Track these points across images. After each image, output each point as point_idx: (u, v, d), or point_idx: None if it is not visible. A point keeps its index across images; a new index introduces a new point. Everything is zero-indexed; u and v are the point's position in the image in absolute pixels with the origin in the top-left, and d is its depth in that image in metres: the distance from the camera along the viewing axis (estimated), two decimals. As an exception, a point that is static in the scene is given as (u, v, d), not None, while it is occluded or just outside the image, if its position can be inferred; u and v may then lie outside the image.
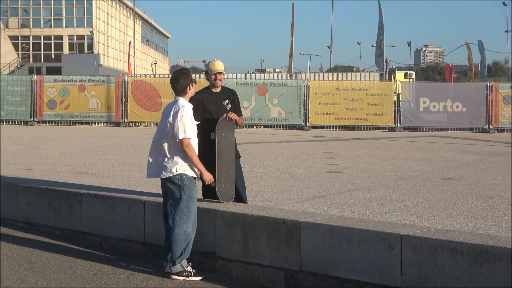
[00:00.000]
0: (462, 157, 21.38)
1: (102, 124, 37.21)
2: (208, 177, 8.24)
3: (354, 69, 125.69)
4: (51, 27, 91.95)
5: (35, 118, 36.84)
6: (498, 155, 22.35)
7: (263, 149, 23.36)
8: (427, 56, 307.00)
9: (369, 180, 15.25)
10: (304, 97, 35.85)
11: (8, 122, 36.61)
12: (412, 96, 36.24)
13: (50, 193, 10.77)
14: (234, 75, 41.83)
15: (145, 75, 53.72)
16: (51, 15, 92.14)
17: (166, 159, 8.16)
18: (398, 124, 35.59)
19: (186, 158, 8.12)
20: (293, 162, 19.06)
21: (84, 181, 13.25)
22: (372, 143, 27.30)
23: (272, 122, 36.13)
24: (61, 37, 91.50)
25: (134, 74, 59.94)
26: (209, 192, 9.00)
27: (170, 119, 8.13)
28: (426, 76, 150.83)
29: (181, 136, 8.03)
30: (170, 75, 9.11)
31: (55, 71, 70.71)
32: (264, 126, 36.46)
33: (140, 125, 37.13)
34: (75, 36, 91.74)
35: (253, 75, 47.65)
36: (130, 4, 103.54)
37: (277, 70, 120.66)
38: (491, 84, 36.47)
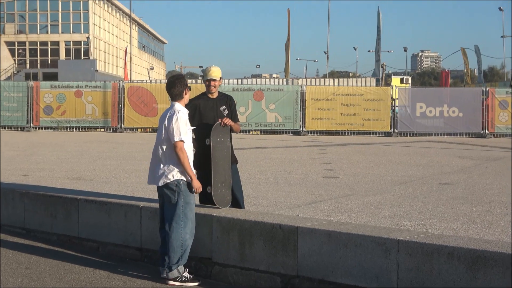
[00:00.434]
0: (458, 162, 21.40)
1: (99, 129, 37.18)
2: (196, 184, 8.19)
3: (351, 75, 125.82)
4: (47, 32, 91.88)
5: (31, 124, 36.78)
6: (494, 160, 22.37)
7: (259, 155, 23.36)
8: (423, 61, 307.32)
9: (366, 185, 15.26)
10: (300, 103, 35.84)
11: (5, 128, 36.55)
12: (408, 101, 36.26)
13: (47, 199, 10.76)
14: (231, 81, 41.82)
15: (142, 80, 53.67)
16: (48, 21, 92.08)
17: (162, 165, 8.17)
18: (395, 129, 35.61)
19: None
20: (290, 168, 19.06)
21: (81, 187, 13.24)
22: (369, 148, 27.32)
23: (268, 127, 36.12)
24: (57, 43, 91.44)
25: (130, 80, 59.92)
26: (205, 197, 9.00)
27: (166, 122, 8.15)
28: (423, 81, 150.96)
29: (175, 139, 8.03)
30: (166, 81, 9.12)
31: (52, 76, 70.73)
32: (261, 132, 36.45)
33: (137, 130, 37.10)
34: (71, 42, 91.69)
35: (249, 80, 47.65)
36: (126, 9, 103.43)
37: (274, 75, 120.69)
38: (487, 89, 36.52)
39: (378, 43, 55.77)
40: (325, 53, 79.55)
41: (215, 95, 9.22)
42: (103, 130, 37.12)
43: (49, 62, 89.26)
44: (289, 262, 7.75)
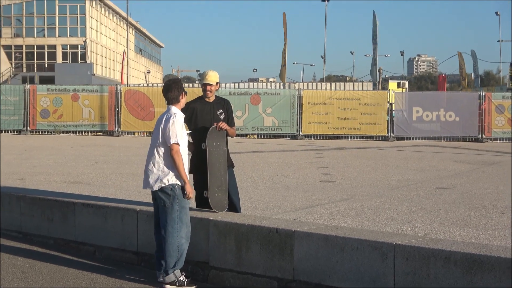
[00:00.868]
0: (455, 166, 21.42)
1: (96, 133, 37.14)
2: (189, 189, 8.16)
3: (348, 79, 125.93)
4: (44, 36, 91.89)
5: (28, 128, 36.74)
6: (491, 164, 22.39)
7: (256, 159, 23.36)
8: (420, 65, 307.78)
9: (362, 189, 15.27)
10: (297, 107, 35.83)
11: (1, 132, 36.51)
12: (405, 106, 36.27)
13: (43, 202, 10.75)
14: (228, 85, 41.88)
15: (139, 84, 53.72)
16: (45, 25, 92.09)
17: (157, 169, 8.15)
18: (391, 134, 35.61)
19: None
20: (287, 172, 19.06)
21: (78, 190, 13.23)
22: (365, 152, 27.32)
23: (265, 131, 36.11)
24: (54, 47, 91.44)
25: (127, 84, 59.93)
26: (202, 201, 9.00)
27: (162, 125, 8.15)
28: (419, 85, 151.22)
29: (172, 141, 8.02)
30: (162, 85, 9.12)
31: (49, 80, 70.62)
32: (258, 136, 36.42)
33: (134, 134, 37.07)
34: (68, 46, 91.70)
35: (246, 84, 47.77)
36: (123, 13, 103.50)
37: (271, 79, 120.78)
38: (483, 94, 36.56)
39: (374, 47, 55.80)
40: (322, 57, 79.78)
41: (212, 99, 9.23)
42: (100, 133, 37.08)
43: (46, 65, 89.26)
44: (286, 266, 7.75)
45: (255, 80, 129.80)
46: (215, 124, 8.88)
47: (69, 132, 36.87)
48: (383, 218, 11.26)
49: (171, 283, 8.11)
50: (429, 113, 36.01)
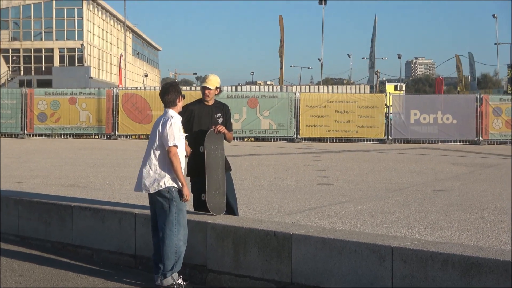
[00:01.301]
0: (452, 169, 21.43)
1: (93, 136, 37.11)
2: (186, 192, 8.14)
3: (345, 82, 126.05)
4: (41, 40, 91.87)
5: (25, 131, 36.71)
6: (488, 167, 22.41)
7: (254, 162, 23.36)
8: (417, 68, 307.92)
9: (360, 192, 15.27)
10: (295, 110, 35.84)
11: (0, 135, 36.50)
12: (402, 108, 36.29)
13: (41, 206, 10.74)
14: (225, 88, 41.81)
15: (136, 87, 53.69)
16: (42, 28, 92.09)
17: (153, 172, 8.14)
18: (389, 136, 35.63)
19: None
20: (284, 175, 19.06)
21: (75, 194, 13.23)
22: (363, 155, 27.34)
23: (263, 134, 36.11)
24: (51, 50, 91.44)
25: (124, 87, 59.92)
26: (200, 204, 9.00)
27: (160, 128, 8.14)
28: (417, 88, 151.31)
29: (170, 144, 8.02)
30: (160, 88, 9.13)
31: (46, 83, 70.69)
32: (255, 139, 36.43)
33: (131, 137, 37.06)
34: (65, 49, 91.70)
35: (244, 87, 47.72)
36: (121, 17, 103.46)
37: (268, 82, 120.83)
38: (481, 96, 36.60)
39: (372, 50, 55.89)
40: (319, 60, 79.72)
41: (210, 102, 9.23)
42: (97, 137, 37.06)
43: (43, 69, 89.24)
44: (283, 269, 7.75)
45: (253, 83, 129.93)
46: (214, 127, 8.88)
47: (67, 135, 36.85)
48: (381, 220, 11.27)
49: (168, 286, 8.10)
50: (427, 115, 36.03)
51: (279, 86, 50.31)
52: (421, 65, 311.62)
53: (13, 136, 36.71)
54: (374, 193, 15.06)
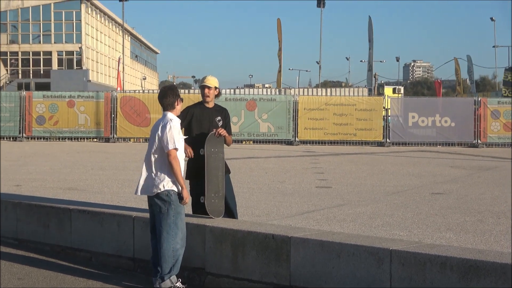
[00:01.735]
0: (451, 171, 21.44)
1: (92, 139, 37.11)
2: (186, 195, 8.16)
3: (343, 84, 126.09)
4: (40, 43, 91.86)
5: (24, 134, 36.69)
6: (487, 169, 22.42)
7: (252, 165, 23.36)
8: (415, 71, 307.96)
9: (359, 195, 15.27)
10: (293, 112, 35.85)
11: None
12: (400, 111, 36.30)
13: (39, 209, 10.74)
14: (223, 90, 41.86)
15: (134, 90, 53.70)
16: (40, 31, 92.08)
17: (153, 175, 8.15)
18: (387, 139, 35.64)
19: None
20: (283, 177, 19.06)
21: (74, 197, 13.22)
22: (361, 158, 27.34)
23: (261, 137, 36.12)
24: (50, 53, 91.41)
25: (123, 90, 59.94)
26: (198, 207, 9.01)
27: (159, 131, 8.15)
28: (415, 91, 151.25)
29: (169, 147, 8.03)
30: (158, 91, 9.14)
31: (44, 86, 70.59)
32: (254, 142, 36.43)
33: (130, 140, 37.06)
34: (64, 52, 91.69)
35: (242, 90, 47.78)
36: (119, 20, 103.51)
37: (266, 85, 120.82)
38: (479, 99, 36.63)
39: (370, 53, 55.90)
40: (318, 63, 79.80)
41: (210, 104, 9.23)
42: (95, 140, 37.06)
43: (42, 72, 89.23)
44: (282, 272, 7.75)
45: (251, 86, 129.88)
46: (214, 130, 8.89)
47: (65, 138, 36.84)
48: (379, 223, 11.27)
49: (167, 289, 8.10)
50: (425, 118, 36.05)
51: (277, 89, 50.36)
52: (420, 68, 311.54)
53: (11, 139, 36.68)
54: (373, 196, 15.07)
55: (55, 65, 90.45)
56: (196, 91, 40.19)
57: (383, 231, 10.46)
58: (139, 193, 8.32)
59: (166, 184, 8.10)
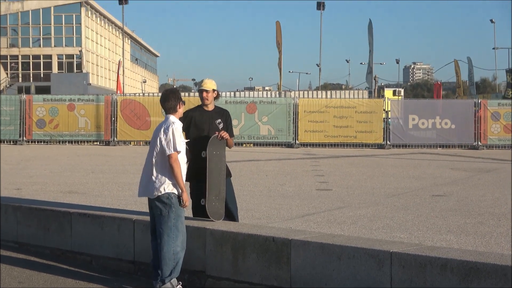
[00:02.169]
0: (451, 174, 21.44)
1: (92, 143, 37.10)
2: (186, 198, 8.15)
3: (343, 87, 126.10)
4: (40, 46, 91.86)
5: (24, 138, 36.69)
6: (487, 171, 22.42)
7: (252, 167, 23.37)
8: (415, 73, 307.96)
9: (359, 197, 15.27)
10: (293, 115, 35.86)
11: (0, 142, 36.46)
12: (401, 113, 36.31)
13: (40, 212, 10.74)
14: (223, 93, 41.79)
15: (135, 93, 53.70)
16: (40, 35, 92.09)
17: (154, 177, 8.15)
18: (387, 141, 35.64)
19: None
20: (283, 180, 19.07)
21: (74, 200, 13.23)
22: (362, 160, 27.34)
23: (261, 140, 36.12)
24: (50, 56, 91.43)
25: (123, 93, 59.95)
26: (199, 210, 9.00)
27: (161, 134, 8.15)
28: (415, 93, 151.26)
29: (171, 150, 8.03)
30: (160, 94, 9.14)
31: (44, 90, 70.68)
32: (254, 144, 36.43)
33: (130, 143, 37.05)
34: (64, 55, 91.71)
35: (242, 93, 47.74)
36: (119, 23, 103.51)
37: (266, 88, 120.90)
38: (479, 101, 36.64)
39: (370, 55, 55.90)
40: (318, 66, 79.78)
41: (210, 107, 9.22)
42: (96, 143, 37.06)
43: (42, 75, 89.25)
44: (282, 274, 7.75)
45: (251, 88, 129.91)
46: (217, 133, 8.89)
47: (65, 141, 36.84)
48: (380, 226, 11.27)
49: (168, 292, 8.10)
50: (425, 120, 36.06)
51: (277, 92, 50.34)
52: (420, 70, 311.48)
53: (11, 143, 36.69)
54: (373, 198, 15.07)
55: (55, 69, 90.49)
56: (197, 94, 40.18)
57: (384, 233, 10.47)
58: (141, 195, 8.34)
59: (167, 186, 8.10)
